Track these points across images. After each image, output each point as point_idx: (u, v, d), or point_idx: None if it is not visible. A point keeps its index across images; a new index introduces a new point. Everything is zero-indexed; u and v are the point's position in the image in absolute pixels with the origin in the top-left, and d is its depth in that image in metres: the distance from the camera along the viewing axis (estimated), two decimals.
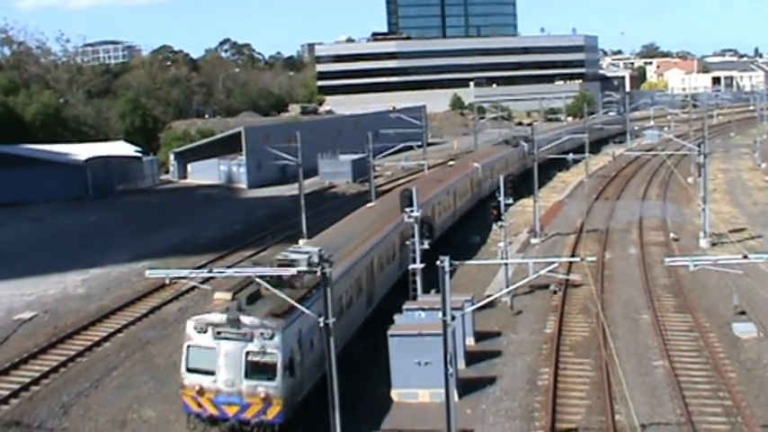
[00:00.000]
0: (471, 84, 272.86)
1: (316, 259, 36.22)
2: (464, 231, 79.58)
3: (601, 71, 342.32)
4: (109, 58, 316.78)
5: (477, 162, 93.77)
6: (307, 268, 35.84)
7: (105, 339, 52.06)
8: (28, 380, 45.05)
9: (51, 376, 45.97)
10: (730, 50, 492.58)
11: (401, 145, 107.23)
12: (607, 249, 73.60)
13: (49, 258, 76.66)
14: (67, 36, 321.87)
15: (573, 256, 67.34)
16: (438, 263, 30.27)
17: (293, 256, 41.09)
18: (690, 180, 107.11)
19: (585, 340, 48.60)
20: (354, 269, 47.45)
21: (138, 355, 49.09)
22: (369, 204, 70.81)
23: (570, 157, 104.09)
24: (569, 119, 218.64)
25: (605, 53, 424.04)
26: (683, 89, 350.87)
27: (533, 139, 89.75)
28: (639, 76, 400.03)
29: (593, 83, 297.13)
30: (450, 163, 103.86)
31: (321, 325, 31.56)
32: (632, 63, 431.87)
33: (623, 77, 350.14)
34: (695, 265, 32.66)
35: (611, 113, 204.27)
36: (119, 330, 53.79)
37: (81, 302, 61.52)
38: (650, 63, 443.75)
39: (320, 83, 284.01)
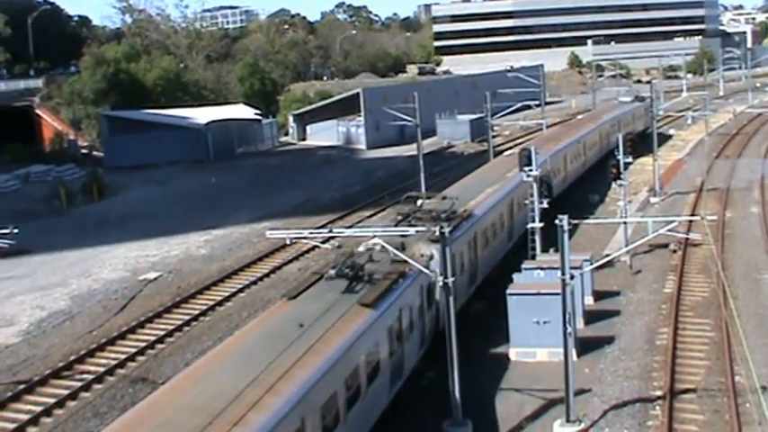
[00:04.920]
0: (589, 42, 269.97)
1: None
2: (583, 190, 79.16)
3: (721, 27, 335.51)
4: (227, 23, 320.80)
5: None
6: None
7: (227, 299, 53.07)
8: (153, 338, 46.28)
9: (175, 335, 47.17)
10: None
11: (519, 104, 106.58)
12: (728, 208, 72.48)
13: (171, 220, 78.22)
14: (186, 2, 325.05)
15: (693, 214, 66.62)
16: (557, 222, 30.28)
17: None
18: None
19: (705, 300, 48.04)
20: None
21: (259, 314, 49.81)
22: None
23: (690, 114, 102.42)
24: (689, 76, 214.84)
25: (726, 8, 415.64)
26: None
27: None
28: (762, 32, 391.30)
29: (713, 39, 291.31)
30: None
31: (440, 284, 31.82)
32: (754, 18, 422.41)
33: (744, 33, 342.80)
34: None
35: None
36: (240, 290, 54.74)
37: (203, 263, 62.67)
38: None
39: (437, 43, 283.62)
